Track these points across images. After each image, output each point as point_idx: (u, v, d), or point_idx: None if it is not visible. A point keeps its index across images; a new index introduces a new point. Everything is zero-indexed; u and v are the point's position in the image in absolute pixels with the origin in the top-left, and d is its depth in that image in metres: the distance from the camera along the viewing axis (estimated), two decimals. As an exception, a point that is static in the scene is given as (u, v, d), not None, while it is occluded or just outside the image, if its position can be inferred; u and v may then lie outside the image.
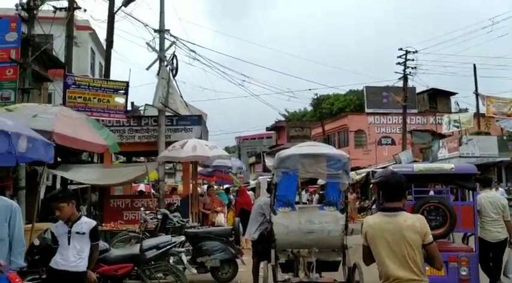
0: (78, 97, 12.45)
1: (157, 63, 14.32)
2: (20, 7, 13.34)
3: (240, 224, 8.97)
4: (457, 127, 25.50)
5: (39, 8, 13.62)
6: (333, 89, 55.25)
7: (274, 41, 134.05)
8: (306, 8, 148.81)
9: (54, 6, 14.46)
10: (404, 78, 30.65)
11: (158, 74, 14.12)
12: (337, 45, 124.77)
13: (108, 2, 14.72)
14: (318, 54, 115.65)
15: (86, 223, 4.68)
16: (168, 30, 14.74)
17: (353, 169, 18.35)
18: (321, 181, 19.80)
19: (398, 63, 30.65)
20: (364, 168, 30.34)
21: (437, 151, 24.51)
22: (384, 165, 28.69)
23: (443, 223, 6.31)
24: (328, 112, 48.77)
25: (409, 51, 30.23)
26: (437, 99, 42.50)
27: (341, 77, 75.19)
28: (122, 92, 13.11)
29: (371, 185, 15.87)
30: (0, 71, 11.65)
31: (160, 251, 6.40)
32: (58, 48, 15.46)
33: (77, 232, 4.57)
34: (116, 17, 15.15)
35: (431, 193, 8.56)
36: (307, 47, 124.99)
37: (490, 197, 7.07)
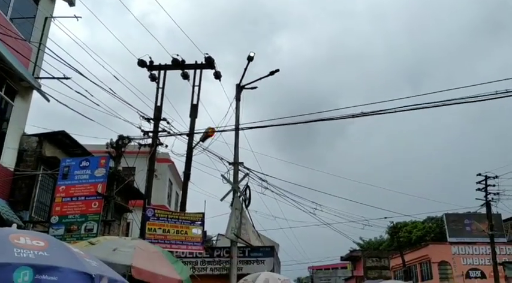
0: (158, 229, 12.85)
1: (231, 194, 14.70)
2: (110, 145, 14.64)
3: None
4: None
5: (127, 146, 14.90)
6: (409, 217, 52.90)
7: (344, 168, 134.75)
8: (377, 137, 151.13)
9: (139, 143, 15.74)
10: (487, 205, 28.86)
11: (232, 205, 14.40)
12: (409, 170, 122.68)
13: (187, 138, 15.86)
14: (391, 181, 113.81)
15: None
16: (242, 162, 15.35)
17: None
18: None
19: (479, 189, 29.16)
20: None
21: (538, 287, 21.75)
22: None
23: None
24: (407, 241, 46.13)
25: (489, 177, 28.88)
26: (529, 226, 39.12)
27: (418, 204, 72.07)
28: (199, 223, 13.43)
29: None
30: (86, 204, 12.46)
31: None
32: (139, 180, 16.48)
33: None
34: (194, 151, 16.15)
35: None
36: (379, 174, 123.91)
37: None
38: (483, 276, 34.97)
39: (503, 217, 37.13)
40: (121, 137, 14.69)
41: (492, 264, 28.37)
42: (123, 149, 14.63)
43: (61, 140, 15.05)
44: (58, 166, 13.31)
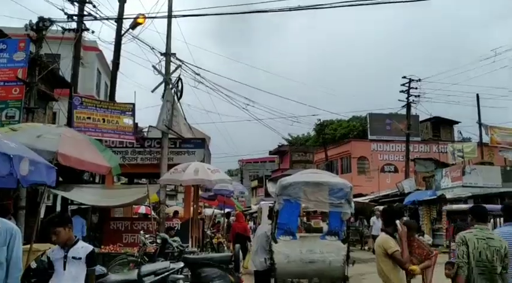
0: (87, 118, 12.50)
1: (163, 85, 14.40)
2: (29, 27, 13.47)
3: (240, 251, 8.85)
4: (461, 157, 25.45)
5: (48, 29, 13.78)
6: (336, 115, 55.40)
7: (278, 66, 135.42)
8: (311, 36, 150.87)
9: (62, 27, 14.63)
10: (408, 106, 30.75)
11: (163, 97, 14.19)
12: (340, 70, 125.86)
13: (116, 24, 14.93)
14: (321, 80, 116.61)
15: (83, 248, 4.59)
16: (174, 53, 14.85)
17: (355, 196, 18.21)
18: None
19: (402, 91, 30.79)
20: (366, 195, 30.17)
21: (441, 180, 24.35)
22: (387, 193, 28.53)
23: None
24: (332, 138, 48.76)
25: (413, 80, 30.41)
26: (441, 127, 42.58)
27: (344, 103, 75.47)
28: (129, 113, 13.21)
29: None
30: (6, 90, 11.73)
31: (158, 277, 6.29)
32: (65, 68, 15.60)
33: (73, 257, 4.48)
34: (123, 39, 15.35)
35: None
36: (311, 73, 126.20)
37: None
38: (396, 170, 38.40)
39: (420, 119, 40.03)
40: (41, 19, 13.51)
41: (405, 160, 31.07)
42: (44, 33, 13.57)
43: (-28, 18, 13.59)
44: (-30, 48, 12.17)
